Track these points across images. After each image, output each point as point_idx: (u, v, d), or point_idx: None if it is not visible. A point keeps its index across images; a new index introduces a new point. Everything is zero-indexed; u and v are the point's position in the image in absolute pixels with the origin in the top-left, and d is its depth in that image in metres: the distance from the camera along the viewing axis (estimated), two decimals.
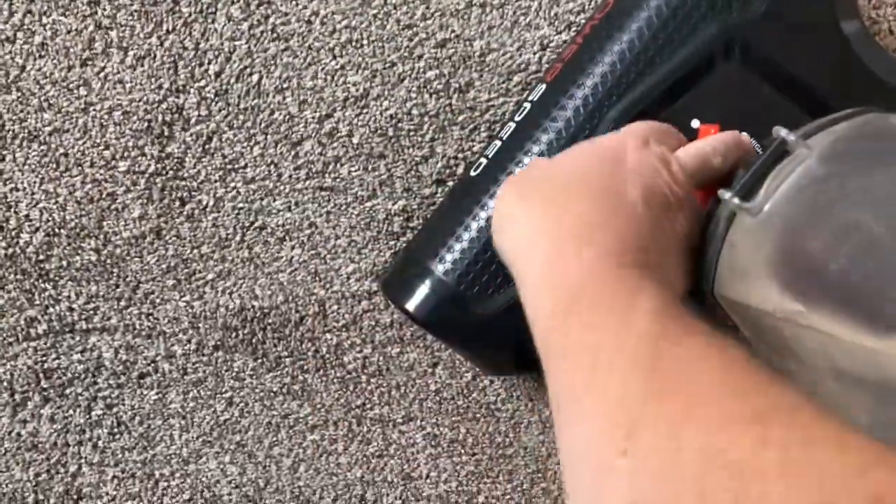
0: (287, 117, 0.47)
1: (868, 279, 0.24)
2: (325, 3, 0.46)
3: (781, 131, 0.30)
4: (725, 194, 0.31)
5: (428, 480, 0.53)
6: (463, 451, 0.53)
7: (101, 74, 0.46)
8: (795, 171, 0.29)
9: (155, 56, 0.46)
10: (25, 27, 0.45)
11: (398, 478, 0.53)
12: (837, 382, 0.25)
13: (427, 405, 0.52)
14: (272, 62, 0.46)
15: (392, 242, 0.49)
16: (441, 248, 0.44)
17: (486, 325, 0.44)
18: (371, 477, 0.53)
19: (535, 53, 0.47)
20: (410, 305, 0.45)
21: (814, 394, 0.28)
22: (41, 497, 0.51)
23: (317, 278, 0.49)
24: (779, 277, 0.27)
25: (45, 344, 0.49)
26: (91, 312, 0.48)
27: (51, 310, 0.48)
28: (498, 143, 0.45)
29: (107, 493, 0.51)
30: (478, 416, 0.52)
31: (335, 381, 0.51)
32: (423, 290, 0.44)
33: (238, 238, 0.48)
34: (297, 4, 0.46)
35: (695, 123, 0.42)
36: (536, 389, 0.52)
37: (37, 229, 0.47)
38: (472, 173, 0.45)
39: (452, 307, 0.44)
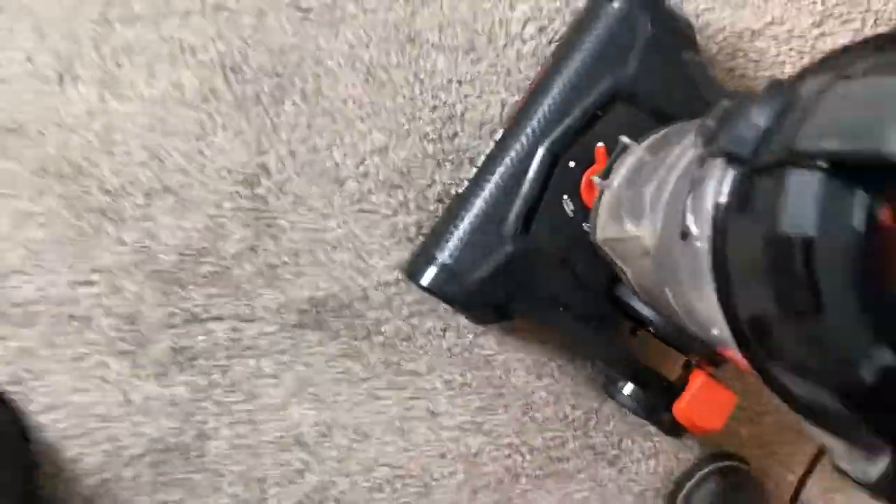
0: (334, 165, 0.70)
1: (651, 202, 0.46)
2: (355, 88, 0.70)
3: (624, 139, 0.52)
4: (596, 179, 0.53)
5: (447, 415, 0.74)
6: (470, 391, 0.74)
7: (213, 145, 0.69)
8: (629, 158, 0.51)
9: (245, 132, 0.70)
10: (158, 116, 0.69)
11: (426, 413, 0.74)
12: (643, 261, 0.46)
13: (442, 359, 0.73)
14: (324, 129, 0.70)
15: (409, 244, 0.72)
16: (442, 241, 0.67)
17: (475, 291, 0.66)
18: (406, 413, 0.74)
19: (498, 110, 0.71)
20: (425, 281, 0.67)
21: (640, 275, 0.49)
22: (178, 440, 0.72)
23: (360, 273, 0.72)
24: (625, 216, 0.49)
25: (180, 331, 0.71)
26: (210, 306, 0.71)
27: (183, 306, 0.71)
28: (475, 169, 0.68)
29: (224, 436, 0.73)
30: (479, 365, 0.74)
31: (377, 346, 0.73)
32: (432, 270, 0.67)
33: (307, 249, 0.71)
34: (336, 91, 0.70)
35: (599, 145, 0.65)
36: (521, 343, 0.74)
37: (172, 252, 0.70)
38: (460, 191, 0.68)
39: (452, 279, 0.66)
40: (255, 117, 0.70)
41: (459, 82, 0.71)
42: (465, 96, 0.71)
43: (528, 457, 0.75)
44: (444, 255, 0.66)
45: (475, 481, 0.75)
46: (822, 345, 0.28)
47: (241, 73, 0.70)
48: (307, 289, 0.72)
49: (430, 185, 0.71)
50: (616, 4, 0.66)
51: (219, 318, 0.72)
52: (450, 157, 0.71)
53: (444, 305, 0.72)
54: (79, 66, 0.68)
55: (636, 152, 0.51)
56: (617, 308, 0.67)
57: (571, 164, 0.65)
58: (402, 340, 0.73)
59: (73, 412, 0.71)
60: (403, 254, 0.72)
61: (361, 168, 0.71)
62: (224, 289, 0.71)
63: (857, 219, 0.26)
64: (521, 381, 0.74)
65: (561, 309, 0.66)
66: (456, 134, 0.71)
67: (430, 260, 0.67)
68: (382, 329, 0.73)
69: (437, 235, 0.68)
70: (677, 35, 0.67)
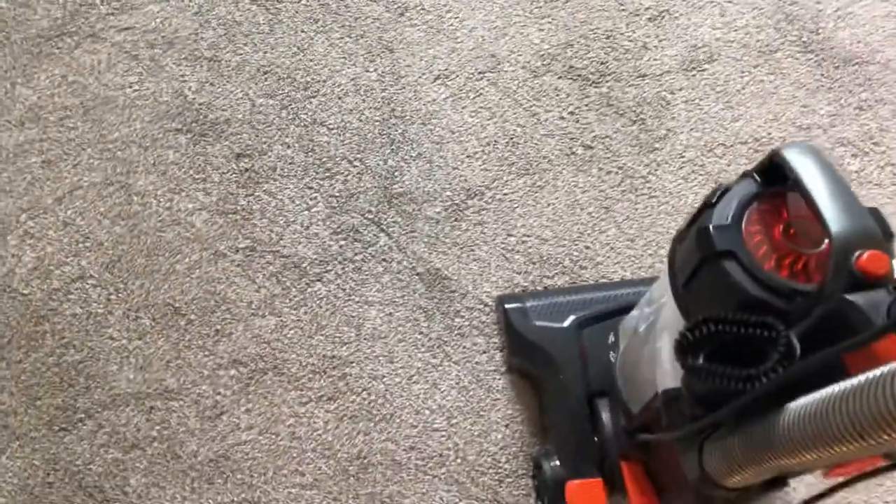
0: (514, 225, 1.09)
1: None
2: (541, 224, 1.11)
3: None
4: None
5: (441, 395, 1.03)
6: (464, 395, 1.03)
7: (473, 164, 1.11)
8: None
9: (489, 170, 1.11)
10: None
11: (430, 384, 1.03)
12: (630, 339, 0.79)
13: (468, 365, 1.04)
14: (526, 208, 1.10)
15: (511, 290, 1.07)
16: (538, 298, 1.01)
17: (526, 329, 0.99)
18: (420, 371, 1.03)
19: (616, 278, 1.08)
20: (508, 306, 1.01)
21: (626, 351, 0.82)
22: (306, 267, 1.06)
23: (474, 284, 1.07)
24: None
25: (366, 222, 1.08)
26: (390, 225, 1.08)
27: (378, 214, 1.09)
28: (590, 282, 1.04)
29: (327, 288, 1.05)
30: (482, 386, 1.03)
31: (444, 324, 1.05)
32: (517, 305, 1.01)
33: (462, 247, 1.08)
34: (526, 225, 1.11)
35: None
36: (516, 400, 1.03)
37: (400, 187, 1.10)
38: (571, 286, 1.04)
39: (523, 316, 1.00)
40: (510, 177, 1.12)
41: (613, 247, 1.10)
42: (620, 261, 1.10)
43: (457, 461, 1.01)
44: (529, 304, 1.01)
45: (406, 443, 1.01)
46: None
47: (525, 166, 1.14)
48: (441, 263, 1.08)
49: (549, 279, 1.08)
50: None
51: (389, 235, 1.09)
52: (570, 273, 1.08)
53: (499, 338, 1.05)
54: (461, 74, 1.15)
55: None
56: (590, 410, 0.96)
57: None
58: (458, 334, 1.05)
59: (281, 204, 1.08)
60: (503, 292, 1.07)
61: (525, 239, 1.09)
62: (405, 224, 1.09)
63: None
64: (497, 417, 1.02)
65: (561, 378, 0.97)
66: (584, 268, 1.09)
67: (521, 301, 1.02)
68: (454, 319, 1.06)
69: (539, 294, 1.03)
70: None
